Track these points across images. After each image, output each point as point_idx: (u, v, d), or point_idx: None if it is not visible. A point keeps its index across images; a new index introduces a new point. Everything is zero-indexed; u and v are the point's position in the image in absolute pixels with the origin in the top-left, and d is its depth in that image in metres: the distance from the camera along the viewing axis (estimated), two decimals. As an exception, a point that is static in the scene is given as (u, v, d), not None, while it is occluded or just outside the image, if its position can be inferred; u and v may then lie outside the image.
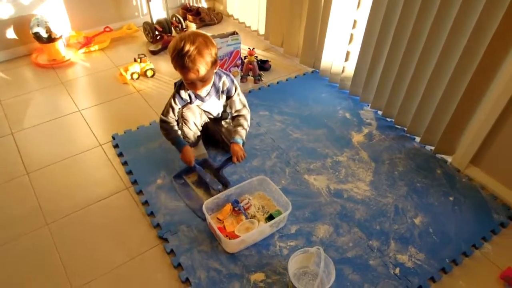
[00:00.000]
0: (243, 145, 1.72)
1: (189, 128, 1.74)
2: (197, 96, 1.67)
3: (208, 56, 1.47)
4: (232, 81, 1.69)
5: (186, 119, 1.72)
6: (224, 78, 1.67)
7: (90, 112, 2.16)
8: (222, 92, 1.70)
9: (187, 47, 1.43)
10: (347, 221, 1.60)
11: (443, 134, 1.84)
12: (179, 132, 1.71)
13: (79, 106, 2.20)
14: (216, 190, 1.60)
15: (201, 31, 2.87)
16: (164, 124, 1.70)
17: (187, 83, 1.57)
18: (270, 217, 1.53)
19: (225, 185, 1.69)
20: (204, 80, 1.54)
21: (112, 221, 1.59)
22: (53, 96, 2.28)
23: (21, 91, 2.31)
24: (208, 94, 1.67)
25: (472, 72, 1.61)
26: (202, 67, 1.47)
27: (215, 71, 1.61)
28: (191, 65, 1.45)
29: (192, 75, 1.49)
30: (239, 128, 1.72)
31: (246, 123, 1.74)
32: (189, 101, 1.68)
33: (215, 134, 1.88)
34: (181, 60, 1.45)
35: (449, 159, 1.90)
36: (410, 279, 1.40)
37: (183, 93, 1.65)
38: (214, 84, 1.65)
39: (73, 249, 1.49)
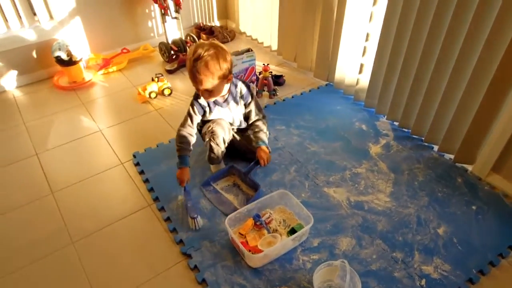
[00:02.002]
0: (268, 150, 1.78)
1: (217, 144, 1.74)
2: (216, 102, 1.68)
3: (215, 69, 1.49)
4: (248, 88, 1.72)
5: (215, 134, 1.70)
6: (240, 85, 1.71)
7: (110, 132, 2.22)
8: (241, 97, 1.73)
9: (197, 53, 1.48)
10: (369, 233, 1.59)
11: (462, 143, 1.83)
12: (189, 152, 1.70)
13: (100, 126, 2.26)
14: (192, 217, 1.58)
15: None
16: (181, 136, 1.69)
17: (196, 89, 1.60)
18: (292, 231, 1.54)
19: (255, 188, 1.73)
20: (210, 91, 1.56)
21: (136, 238, 1.62)
22: (74, 117, 2.35)
23: (44, 113, 2.38)
24: (225, 101, 1.70)
25: (489, 79, 1.61)
26: (206, 79, 1.50)
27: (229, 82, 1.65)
28: (196, 75, 1.49)
29: (195, 84, 1.54)
30: (260, 133, 1.78)
31: (264, 127, 1.79)
32: (207, 107, 1.69)
33: (240, 146, 1.89)
34: (189, 67, 1.51)
35: (469, 167, 1.88)
36: (437, 290, 1.39)
37: (201, 100, 1.67)
38: (230, 91, 1.68)
39: (99, 267, 1.51)
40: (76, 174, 1.93)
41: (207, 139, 1.74)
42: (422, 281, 1.41)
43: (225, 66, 1.52)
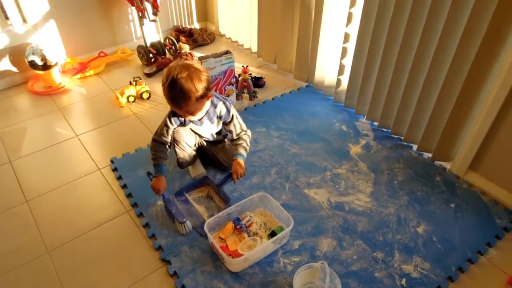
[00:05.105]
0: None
1: (181, 149, 1.74)
2: (191, 119, 1.67)
3: (191, 92, 1.44)
4: (228, 107, 1.69)
5: (177, 140, 1.72)
6: (219, 105, 1.67)
7: (87, 137, 2.17)
8: (219, 117, 1.71)
9: (171, 78, 1.43)
10: (350, 233, 1.59)
11: (439, 140, 1.85)
12: (165, 160, 1.68)
13: (77, 131, 2.21)
14: (180, 222, 1.56)
15: (195, 52, 2.90)
16: (155, 144, 1.67)
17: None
18: (273, 234, 1.52)
19: (226, 201, 1.69)
20: (190, 112, 1.53)
21: (114, 246, 1.58)
22: (50, 123, 2.29)
23: (18, 119, 2.32)
24: (200, 119, 1.67)
25: (464, 77, 1.64)
26: (184, 103, 1.47)
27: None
28: (174, 100, 1.47)
29: (174, 108, 1.53)
30: (240, 146, 1.73)
31: (248, 140, 1.76)
32: (183, 121, 1.67)
33: (210, 155, 1.88)
34: (165, 93, 1.48)
35: (447, 166, 1.91)
36: (417, 289, 1.39)
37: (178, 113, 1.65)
38: (208, 112, 1.65)
39: (75, 276, 1.47)
40: (52, 181, 1.87)
41: (172, 146, 1.74)
42: (402, 281, 1.42)
43: (201, 86, 1.47)
